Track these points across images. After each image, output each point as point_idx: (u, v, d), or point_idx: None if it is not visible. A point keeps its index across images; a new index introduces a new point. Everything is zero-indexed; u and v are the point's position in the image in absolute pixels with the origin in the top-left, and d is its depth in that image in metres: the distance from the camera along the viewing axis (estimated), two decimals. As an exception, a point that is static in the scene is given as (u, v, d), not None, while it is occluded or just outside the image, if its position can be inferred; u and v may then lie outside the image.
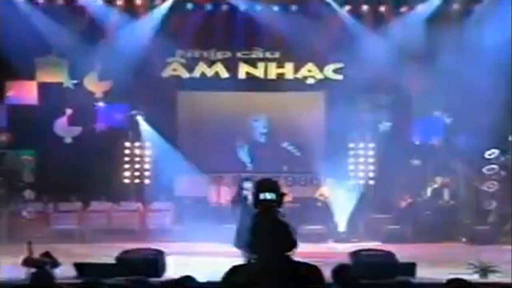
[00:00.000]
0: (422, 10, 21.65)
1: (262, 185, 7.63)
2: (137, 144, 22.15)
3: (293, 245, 6.24)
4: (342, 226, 20.24)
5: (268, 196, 7.41)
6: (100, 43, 21.32)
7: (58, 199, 20.88)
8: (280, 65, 22.31)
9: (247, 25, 21.60)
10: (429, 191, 21.03)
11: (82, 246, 18.50)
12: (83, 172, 20.78)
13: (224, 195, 20.99)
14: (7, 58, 20.53)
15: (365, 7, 21.88)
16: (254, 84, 22.21)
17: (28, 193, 20.75)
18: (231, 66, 22.18)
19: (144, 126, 21.94)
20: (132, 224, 20.66)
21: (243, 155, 22.28)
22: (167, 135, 21.88)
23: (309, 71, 22.26)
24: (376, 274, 12.32)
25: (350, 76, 21.57)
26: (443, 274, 13.37)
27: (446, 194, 20.88)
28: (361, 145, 22.16)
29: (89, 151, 21.21)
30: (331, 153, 21.43)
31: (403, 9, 21.85)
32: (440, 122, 21.97)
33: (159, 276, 13.24)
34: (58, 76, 22.07)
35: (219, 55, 22.15)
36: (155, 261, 13.53)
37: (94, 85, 22.17)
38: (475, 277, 12.95)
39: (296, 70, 22.27)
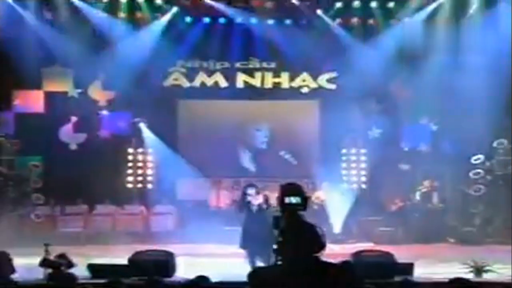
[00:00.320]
0: (410, 23, 21.64)
1: (287, 190, 7.60)
2: (140, 150, 22.08)
3: (322, 246, 6.20)
4: (337, 228, 20.21)
5: (293, 200, 7.39)
6: (104, 54, 21.18)
7: (65, 202, 20.83)
8: (276, 74, 22.32)
9: (244, 37, 21.69)
10: (418, 195, 21.05)
11: (87, 248, 18.40)
12: (88, 176, 20.62)
13: (224, 198, 21.03)
14: (15, 69, 20.41)
15: (355, 20, 21.88)
16: (251, 93, 22.20)
17: (36, 197, 20.60)
18: (229, 76, 22.18)
19: (146, 133, 21.88)
20: (135, 227, 20.64)
21: (246, 162, 22.22)
22: (168, 142, 21.85)
23: (304, 80, 22.28)
24: (376, 273, 12.31)
25: (343, 85, 21.65)
26: (436, 274, 13.57)
27: (434, 198, 20.91)
28: (353, 150, 22.15)
29: (93, 157, 21.19)
30: (326, 159, 21.53)
31: (391, 21, 21.84)
32: (427, 129, 21.98)
33: (170, 276, 13.20)
34: (64, 86, 22.02)
35: (218, 65, 22.14)
36: (166, 262, 13.48)
37: (98, 93, 22.12)
38: (470, 276, 12.93)
39: (292, 79, 22.29)
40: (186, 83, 22.18)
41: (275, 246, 7.79)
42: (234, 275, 12.15)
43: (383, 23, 21.86)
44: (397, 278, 12.37)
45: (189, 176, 21.61)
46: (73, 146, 21.98)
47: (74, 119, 22.00)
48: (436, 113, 21.56)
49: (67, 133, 22.04)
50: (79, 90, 22.01)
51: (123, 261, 13.60)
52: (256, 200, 14.69)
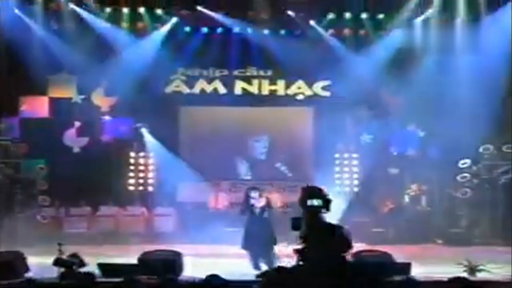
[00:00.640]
0: (399, 34, 21.68)
1: (309, 192, 7.59)
2: (141, 154, 21.97)
3: (349, 246, 6.17)
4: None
5: (315, 202, 7.37)
6: (107, 62, 21.12)
7: (69, 204, 20.69)
8: (273, 82, 22.25)
9: (242, 46, 21.65)
10: (407, 198, 21.05)
11: (92, 248, 18.28)
12: (91, 179, 20.60)
13: (222, 200, 20.92)
14: (22, 75, 20.49)
15: (346, 30, 21.87)
16: (249, 99, 22.13)
17: (43, 199, 20.46)
18: (228, 83, 22.10)
19: (148, 138, 21.77)
20: (137, 228, 20.51)
21: (243, 168, 22.21)
22: (169, 146, 21.73)
23: (299, 88, 22.22)
24: (375, 272, 12.23)
25: (337, 92, 21.73)
26: (431, 273, 13.53)
27: (423, 200, 20.91)
28: (346, 155, 22.12)
29: (96, 160, 21.12)
30: (320, 163, 21.53)
31: (380, 32, 21.85)
32: (414, 135, 21.96)
33: (178, 275, 13.08)
34: (68, 92, 21.91)
35: (217, 73, 22.07)
36: (174, 262, 13.38)
37: (100, 100, 22.02)
38: (464, 276, 12.89)
39: (287, 87, 22.23)
40: (186, 90, 22.10)
41: (297, 247, 7.75)
42: (234, 275, 12.14)
43: (374, 33, 21.85)
44: (397, 278, 12.30)
45: (189, 179, 21.54)
46: (76, 150, 21.83)
47: (77, 124, 21.89)
48: (424, 120, 21.52)
49: (71, 137, 21.92)
50: (83, 96, 21.90)
51: (132, 260, 13.49)
52: (259, 202, 14.66)
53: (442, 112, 20.42)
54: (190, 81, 22.09)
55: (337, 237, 5.91)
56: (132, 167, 21.95)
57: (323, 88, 22.17)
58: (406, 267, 13.29)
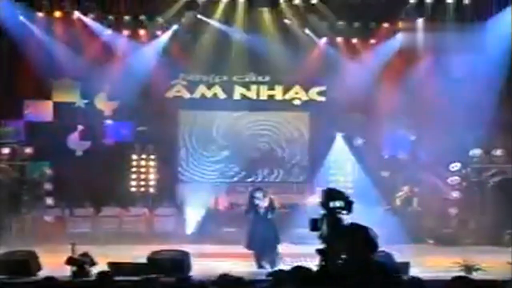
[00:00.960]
0: (389, 42, 21.75)
1: (331, 194, 7.51)
2: (143, 156, 21.81)
3: (375, 247, 6.10)
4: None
5: (337, 203, 7.29)
6: (109, 67, 21.06)
7: (73, 205, 20.54)
8: (271, 87, 22.16)
9: (240, 52, 21.47)
10: (398, 199, 21.01)
11: (96, 248, 18.16)
12: (95, 181, 20.45)
13: (222, 202, 20.83)
14: (27, 81, 20.43)
15: (339, 39, 21.85)
16: (247, 104, 22.03)
17: (48, 200, 20.30)
18: (227, 88, 21.99)
19: (150, 140, 21.60)
20: (139, 228, 20.39)
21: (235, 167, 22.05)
22: (170, 149, 21.70)
23: (296, 93, 22.14)
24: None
25: (332, 98, 21.73)
26: (428, 272, 13.49)
27: (414, 202, 20.87)
28: (340, 158, 22.00)
29: (98, 163, 20.93)
30: (315, 165, 21.55)
31: (372, 41, 21.85)
32: (405, 139, 21.94)
33: (186, 274, 12.99)
34: (71, 96, 21.73)
35: (217, 78, 21.94)
36: (182, 261, 13.28)
37: (103, 104, 21.84)
38: (466, 275, 12.84)
39: (285, 92, 22.14)
40: (187, 95, 21.98)
41: (320, 247, 7.67)
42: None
43: (365, 41, 21.83)
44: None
45: (189, 181, 21.57)
46: (79, 153, 21.64)
47: (80, 127, 21.68)
48: (414, 124, 21.50)
49: (74, 141, 21.71)
50: (86, 101, 21.73)
51: (136, 259, 13.43)
52: (264, 203, 14.61)
53: (433, 117, 20.43)
54: (190, 87, 21.97)
55: (360, 238, 5.80)
56: (133, 169, 21.79)
57: (319, 93, 22.10)
58: (405, 266, 13.26)
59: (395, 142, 22.03)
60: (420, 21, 21.38)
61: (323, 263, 6.59)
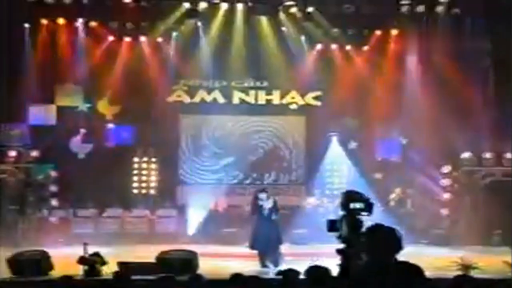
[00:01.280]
0: (382, 49, 21.79)
1: (351, 196, 7.47)
2: (144, 159, 21.72)
3: (399, 247, 6.02)
4: (324, 230, 19.99)
5: (358, 205, 7.25)
6: (111, 73, 21.01)
7: (77, 206, 20.43)
8: (268, 92, 22.10)
9: (239, 58, 21.43)
10: (392, 201, 21.00)
11: (99, 248, 18.06)
12: (98, 183, 20.33)
13: (221, 203, 20.78)
14: (32, 86, 20.42)
15: (334, 46, 21.86)
16: (246, 108, 21.99)
17: (53, 201, 20.18)
18: (226, 93, 21.91)
19: (151, 144, 21.51)
20: (141, 229, 20.33)
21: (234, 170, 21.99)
22: (170, 151, 21.62)
23: (293, 98, 22.07)
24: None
25: (327, 102, 21.74)
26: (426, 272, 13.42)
27: (407, 203, 20.86)
28: (336, 160, 22.02)
29: (100, 165, 20.73)
30: (312, 168, 21.60)
31: (365, 48, 21.88)
32: (397, 142, 21.96)
33: (194, 274, 12.89)
34: (74, 101, 21.55)
35: (217, 83, 21.86)
36: (190, 261, 13.20)
37: (105, 108, 21.70)
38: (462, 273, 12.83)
39: (282, 97, 22.08)
40: (187, 99, 21.89)
41: (340, 247, 7.62)
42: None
43: (359, 48, 21.86)
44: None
45: (189, 182, 21.50)
46: (81, 155, 21.48)
47: (83, 131, 21.50)
48: (406, 128, 21.51)
49: (76, 144, 21.53)
50: (88, 105, 21.59)
51: (139, 259, 13.37)
52: (267, 204, 14.56)
53: (424, 122, 20.47)
54: (191, 91, 21.88)
55: (384, 238, 5.73)
56: (135, 172, 21.69)
57: (315, 98, 22.05)
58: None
59: (388, 146, 22.03)
60: (411, 29, 21.41)
61: (343, 263, 6.52)
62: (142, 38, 21.44)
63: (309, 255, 16.26)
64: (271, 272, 13.31)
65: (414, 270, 5.90)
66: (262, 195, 14.61)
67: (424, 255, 16.55)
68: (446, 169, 20.83)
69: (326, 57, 21.79)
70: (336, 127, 21.73)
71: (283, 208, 18.92)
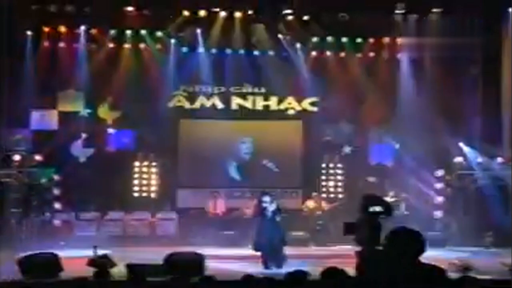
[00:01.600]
0: (375, 56, 21.83)
1: (371, 199, 7.44)
2: (145, 163, 21.64)
3: (423, 249, 5.98)
4: (321, 232, 20.04)
5: (377, 208, 7.22)
6: (112, 79, 20.94)
7: (79, 209, 20.31)
8: (266, 98, 22.06)
9: (236, 65, 21.45)
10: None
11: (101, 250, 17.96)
12: (99, 186, 20.33)
13: (220, 206, 20.69)
14: (34, 92, 20.34)
15: (328, 53, 21.86)
16: (244, 113, 21.93)
17: (56, 205, 20.05)
18: (225, 99, 21.85)
19: (152, 148, 21.44)
20: (142, 231, 20.24)
21: (233, 173, 21.92)
22: (171, 156, 21.55)
23: (290, 103, 22.03)
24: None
25: (323, 108, 21.78)
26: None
27: (402, 207, 20.82)
28: (331, 165, 22.04)
29: (101, 169, 20.78)
30: (308, 172, 21.59)
31: (358, 55, 21.89)
32: (390, 147, 21.97)
33: (201, 275, 12.80)
34: (76, 106, 21.46)
35: (216, 89, 21.80)
36: (197, 263, 13.09)
37: (105, 113, 21.61)
38: (457, 275, 12.80)
39: (279, 102, 22.04)
40: (187, 105, 21.81)
41: (357, 249, 7.58)
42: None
43: (353, 56, 21.85)
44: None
45: (189, 186, 21.44)
46: (83, 159, 21.36)
47: (84, 135, 21.40)
48: (400, 133, 21.50)
49: (78, 148, 21.44)
50: (89, 111, 21.49)
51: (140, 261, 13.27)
52: (271, 207, 14.53)
53: (418, 127, 20.50)
54: (191, 97, 21.81)
55: (407, 240, 5.68)
56: (136, 175, 21.61)
57: (311, 104, 22.02)
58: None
59: (382, 150, 22.05)
60: (404, 37, 21.45)
61: (361, 265, 6.47)
62: (142, 45, 21.37)
63: (309, 256, 16.32)
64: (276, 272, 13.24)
65: (437, 272, 5.87)
66: (266, 198, 14.60)
67: (420, 258, 16.64)
68: (440, 173, 20.82)
69: (321, 64, 21.77)
70: (331, 132, 21.75)
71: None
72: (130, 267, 12.97)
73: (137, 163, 21.62)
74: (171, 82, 21.36)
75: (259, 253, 14.70)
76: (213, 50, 21.45)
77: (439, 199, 20.79)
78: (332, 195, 21.67)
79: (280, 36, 21.36)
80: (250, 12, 20.75)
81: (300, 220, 19.65)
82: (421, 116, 20.48)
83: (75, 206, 20.30)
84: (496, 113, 20.76)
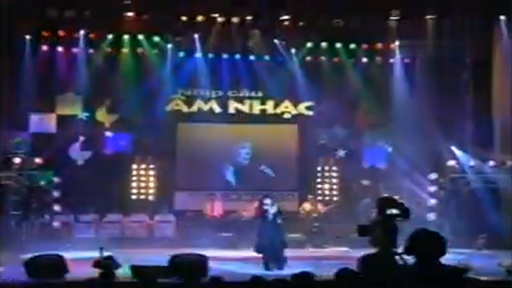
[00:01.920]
0: (368, 62, 21.90)
1: (388, 202, 7.42)
2: (142, 166, 21.57)
3: (444, 251, 5.99)
4: (318, 234, 20.04)
5: (394, 211, 7.20)
6: (110, 83, 20.85)
7: (78, 211, 20.20)
8: (263, 102, 22.05)
9: (233, 70, 21.46)
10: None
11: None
12: (98, 189, 20.26)
13: (218, 209, 20.66)
14: (33, 95, 20.24)
15: (323, 58, 21.89)
16: (241, 117, 21.89)
17: (55, 207, 19.94)
18: (222, 103, 21.83)
19: (150, 151, 21.38)
20: (141, 233, 20.15)
21: (230, 177, 21.89)
22: (168, 159, 21.48)
23: (286, 107, 22.03)
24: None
25: (318, 112, 21.79)
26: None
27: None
28: (326, 168, 22.05)
29: (99, 172, 20.72)
30: (304, 174, 21.63)
31: (352, 60, 21.95)
32: (383, 150, 22.02)
33: (205, 277, 12.77)
34: (74, 110, 21.36)
35: (213, 93, 21.76)
36: (201, 264, 13.05)
37: (103, 117, 21.53)
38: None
39: (276, 106, 22.03)
40: (185, 109, 21.77)
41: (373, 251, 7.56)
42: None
43: (347, 61, 21.90)
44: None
45: (186, 188, 21.40)
46: (80, 162, 21.27)
47: (82, 138, 21.31)
48: (393, 137, 21.55)
49: (75, 151, 21.34)
50: (87, 114, 21.40)
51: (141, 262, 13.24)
52: (272, 209, 14.56)
53: (411, 130, 20.55)
54: (188, 101, 21.78)
55: (429, 242, 5.68)
56: (134, 178, 21.54)
57: (307, 108, 22.02)
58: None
59: (375, 153, 22.09)
60: (397, 43, 21.53)
61: (374, 267, 6.47)
62: (140, 50, 21.32)
63: (307, 258, 16.33)
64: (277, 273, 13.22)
65: (458, 273, 5.88)
66: (267, 201, 14.65)
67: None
68: (433, 176, 20.88)
69: (316, 69, 21.77)
70: (326, 136, 21.80)
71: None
72: (135, 268, 12.95)
73: (135, 166, 21.53)
74: (169, 86, 21.30)
75: (257, 255, 14.75)
76: (210, 55, 21.40)
77: (432, 201, 20.79)
78: (327, 198, 21.66)
79: (276, 41, 21.33)
80: (246, 17, 20.69)
81: (297, 222, 19.61)
82: (414, 120, 20.48)
83: (74, 209, 20.19)
84: (487, 117, 20.88)
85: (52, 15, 20.07)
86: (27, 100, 20.29)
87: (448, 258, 5.77)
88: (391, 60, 21.87)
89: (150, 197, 21.48)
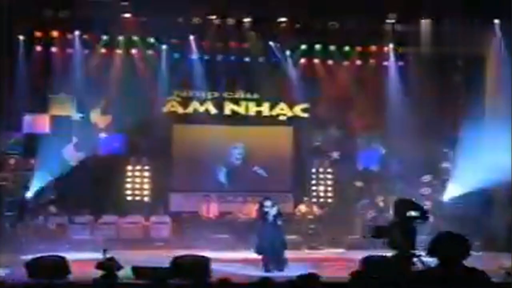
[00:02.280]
0: (362, 65, 21.96)
1: (407, 204, 7.42)
2: (137, 167, 21.47)
3: (468, 253, 5.98)
4: (314, 236, 20.04)
5: (414, 213, 7.20)
6: (104, 84, 20.73)
7: (73, 213, 20.01)
8: (258, 104, 21.99)
9: (231, 71, 21.41)
10: (375, 208, 20.99)
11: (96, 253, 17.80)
12: (93, 190, 20.06)
13: (213, 210, 20.62)
14: (26, 96, 20.03)
15: (316, 60, 21.90)
16: (237, 119, 21.82)
17: (51, 208, 19.78)
18: (218, 104, 21.74)
19: (145, 152, 21.30)
20: (136, 235, 20.00)
21: (222, 178, 21.82)
22: (163, 160, 21.39)
23: (282, 109, 21.99)
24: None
25: (313, 114, 21.82)
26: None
27: (389, 210, 20.84)
28: (321, 169, 22.05)
29: (95, 173, 20.51)
30: (299, 176, 21.62)
31: (345, 63, 21.97)
32: (377, 152, 22.06)
33: (208, 278, 12.76)
34: (68, 110, 21.10)
35: (209, 95, 21.65)
36: (203, 266, 13.04)
37: (97, 118, 21.37)
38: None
39: (271, 108, 21.99)
40: (180, 110, 21.66)
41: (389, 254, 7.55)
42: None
43: (341, 63, 21.93)
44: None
45: (182, 190, 21.33)
46: (75, 163, 21.08)
47: (75, 139, 21.11)
48: (387, 139, 21.59)
49: (69, 152, 21.13)
50: (81, 115, 21.21)
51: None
52: (272, 211, 14.56)
53: (405, 132, 20.59)
54: (184, 102, 21.67)
55: (453, 244, 5.68)
56: (129, 179, 21.42)
57: (302, 110, 21.99)
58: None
59: (369, 155, 22.13)
60: (391, 46, 21.58)
61: (395, 269, 6.46)
62: (134, 51, 21.21)
63: (304, 260, 16.32)
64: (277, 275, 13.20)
65: (480, 276, 5.87)
66: (267, 203, 14.65)
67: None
68: (427, 178, 20.92)
69: (310, 71, 21.78)
70: (320, 138, 21.82)
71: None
72: (136, 269, 12.91)
73: (129, 167, 21.42)
74: (164, 87, 21.16)
75: (255, 256, 14.78)
76: (206, 56, 21.33)
77: (427, 203, 20.79)
78: (322, 200, 21.67)
79: (271, 43, 21.31)
80: (242, 19, 20.65)
81: (293, 224, 19.59)
82: (408, 123, 20.51)
83: (69, 210, 19.98)
84: (480, 118, 20.92)
85: (46, 15, 19.91)
86: (21, 100, 20.04)
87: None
88: (385, 63, 21.89)
89: (146, 198, 21.35)
